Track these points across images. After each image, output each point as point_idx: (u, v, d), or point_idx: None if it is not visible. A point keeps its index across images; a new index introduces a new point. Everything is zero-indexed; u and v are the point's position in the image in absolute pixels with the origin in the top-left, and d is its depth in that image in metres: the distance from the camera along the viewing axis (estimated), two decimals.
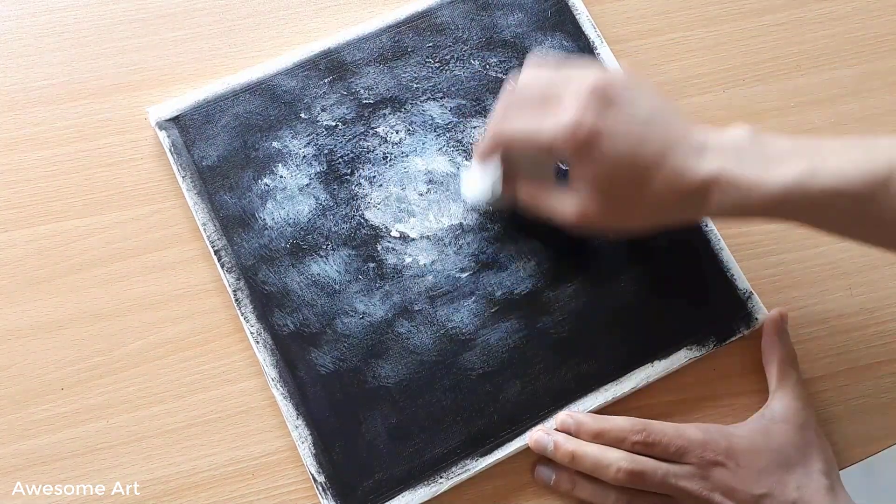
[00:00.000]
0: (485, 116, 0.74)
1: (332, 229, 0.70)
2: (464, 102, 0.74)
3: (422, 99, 0.74)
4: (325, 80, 0.74)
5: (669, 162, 0.59)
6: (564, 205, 0.63)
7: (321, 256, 0.70)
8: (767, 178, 0.57)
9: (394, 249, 0.70)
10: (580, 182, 0.61)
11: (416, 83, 0.75)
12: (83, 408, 0.67)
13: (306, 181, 0.71)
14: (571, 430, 0.66)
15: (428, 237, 0.71)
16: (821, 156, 0.58)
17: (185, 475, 0.66)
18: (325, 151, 0.72)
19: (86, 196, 0.72)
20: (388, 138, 0.73)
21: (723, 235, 0.73)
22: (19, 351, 0.68)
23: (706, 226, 0.73)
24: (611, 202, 0.61)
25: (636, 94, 0.61)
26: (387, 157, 0.73)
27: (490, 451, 0.66)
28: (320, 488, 0.64)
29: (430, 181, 0.72)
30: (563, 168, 0.68)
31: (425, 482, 0.65)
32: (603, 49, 0.77)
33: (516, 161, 0.66)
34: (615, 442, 0.65)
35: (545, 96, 0.61)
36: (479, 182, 0.68)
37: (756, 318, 0.70)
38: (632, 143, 0.59)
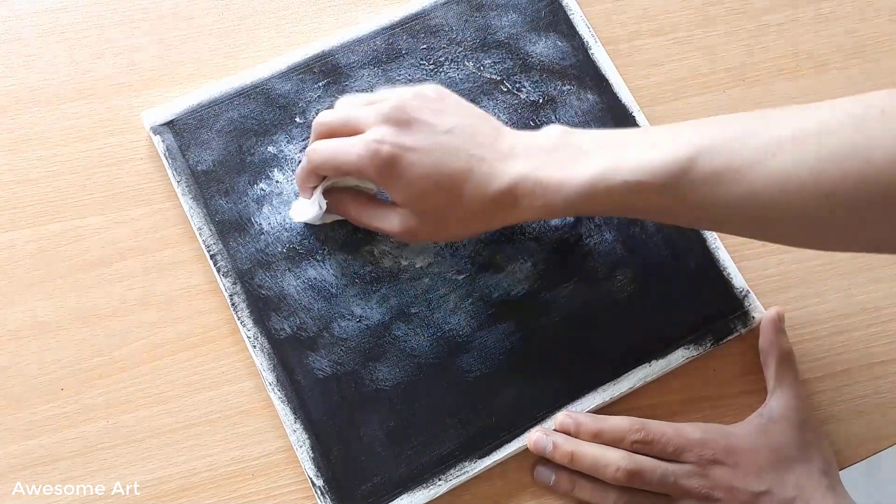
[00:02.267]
0: None
1: (329, 233, 0.72)
2: None
3: None
4: (320, 84, 0.75)
5: (477, 171, 0.62)
6: (388, 221, 0.67)
7: (317, 260, 0.71)
8: (570, 176, 0.60)
9: (390, 252, 0.72)
10: (394, 199, 0.65)
11: (411, 85, 0.76)
12: (83, 408, 0.68)
13: None
14: (570, 430, 0.67)
15: None
16: (625, 149, 0.61)
17: (185, 475, 0.67)
18: None
19: (85, 196, 0.73)
20: None
21: (720, 235, 0.74)
22: (19, 351, 0.69)
23: None
24: (428, 216, 0.65)
25: (440, 108, 0.64)
26: None
27: (488, 453, 0.67)
28: (319, 492, 0.66)
29: None
30: None
31: (424, 485, 0.66)
32: (597, 49, 0.78)
33: (337, 179, 0.69)
34: (614, 441, 0.66)
35: (348, 121, 0.65)
36: (305, 204, 0.71)
37: (753, 317, 0.72)
38: (435, 158, 0.62)
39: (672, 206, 0.60)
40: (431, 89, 0.66)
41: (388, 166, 0.62)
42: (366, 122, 0.64)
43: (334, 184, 0.69)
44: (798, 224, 0.58)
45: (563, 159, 0.62)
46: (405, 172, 0.62)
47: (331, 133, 0.66)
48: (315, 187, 0.69)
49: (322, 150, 0.66)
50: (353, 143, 0.64)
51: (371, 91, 0.76)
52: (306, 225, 0.72)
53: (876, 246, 0.60)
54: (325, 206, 0.69)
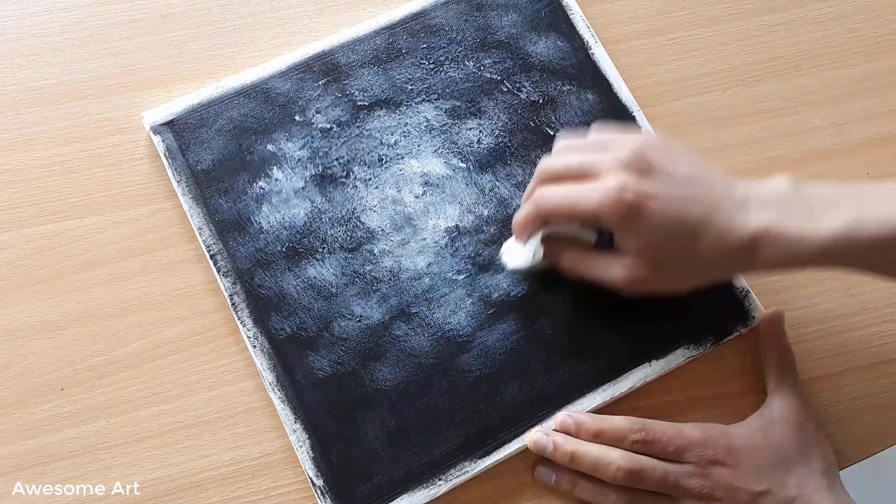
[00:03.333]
0: (479, 118, 0.76)
1: (328, 232, 0.72)
2: (458, 104, 0.77)
3: (416, 101, 0.77)
4: (320, 83, 0.76)
5: (715, 220, 0.61)
6: (612, 271, 0.66)
7: (317, 260, 0.72)
8: (814, 230, 0.59)
9: (390, 252, 0.72)
10: (627, 249, 0.64)
11: (411, 85, 0.77)
12: (83, 408, 0.68)
13: (301, 184, 0.74)
14: (571, 430, 0.68)
15: (424, 239, 0.73)
16: (865, 203, 0.60)
17: (185, 475, 0.67)
18: (320, 154, 0.74)
19: (85, 196, 0.74)
20: (383, 140, 0.75)
21: None
22: (19, 351, 0.69)
23: None
24: (659, 266, 0.64)
25: (673, 156, 0.64)
26: (382, 159, 0.75)
27: (489, 453, 0.68)
28: (319, 492, 0.66)
29: (425, 183, 0.74)
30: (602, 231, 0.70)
31: (424, 485, 0.67)
32: (597, 49, 0.79)
33: (555, 227, 0.68)
34: (614, 441, 0.66)
35: (582, 167, 0.64)
36: (520, 250, 0.70)
37: (753, 317, 0.72)
38: (676, 206, 0.61)
39: None
40: (657, 138, 0.66)
41: (629, 214, 0.61)
42: (605, 168, 0.63)
43: (553, 232, 0.69)
44: None
45: (802, 212, 0.61)
46: (646, 221, 0.61)
47: (559, 179, 0.65)
48: (532, 234, 0.68)
49: (555, 196, 0.64)
50: (594, 189, 0.62)
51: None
52: (305, 224, 0.72)
53: None
54: (541, 255, 0.69)
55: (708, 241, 0.61)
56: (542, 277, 0.72)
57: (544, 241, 0.69)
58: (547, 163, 0.66)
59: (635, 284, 0.65)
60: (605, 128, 0.68)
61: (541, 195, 0.65)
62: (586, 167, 0.64)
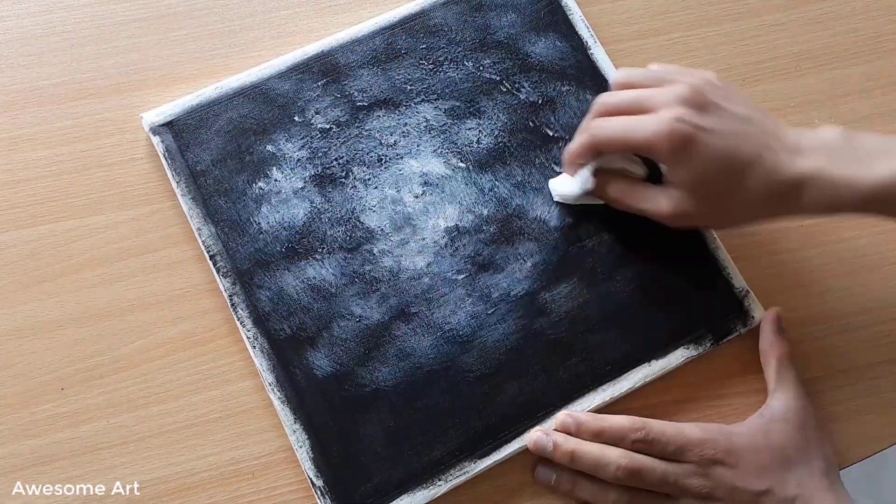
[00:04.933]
0: (479, 118, 0.77)
1: (328, 232, 0.73)
2: (458, 104, 0.77)
3: (416, 101, 0.77)
4: (319, 83, 0.77)
5: (765, 160, 0.63)
6: (659, 203, 0.68)
7: (317, 260, 0.72)
8: (861, 176, 0.62)
9: (390, 252, 0.73)
10: (676, 181, 0.66)
11: (410, 85, 0.77)
12: (83, 408, 0.69)
13: (301, 184, 0.74)
14: (571, 429, 0.68)
15: (424, 239, 0.74)
16: None
17: (185, 475, 0.68)
18: (320, 154, 0.75)
19: (85, 196, 0.74)
20: (382, 140, 0.76)
21: (720, 235, 0.75)
22: (19, 351, 0.70)
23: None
24: (706, 200, 0.66)
25: (730, 95, 0.66)
26: (381, 159, 0.75)
27: (489, 453, 0.68)
28: (319, 492, 0.66)
29: (425, 183, 0.75)
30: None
31: (424, 485, 0.67)
32: (597, 49, 0.80)
33: (606, 160, 0.70)
34: (615, 441, 0.67)
35: (639, 100, 0.66)
36: (568, 180, 0.72)
37: (753, 317, 0.73)
38: (729, 142, 0.64)
39: None
40: (717, 77, 0.68)
41: (683, 145, 0.63)
42: (662, 102, 0.65)
43: (602, 164, 0.70)
44: None
45: (851, 159, 0.63)
46: (699, 153, 0.64)
47: (617, 111, 0.67)
48: (583, 165, 0.70)
49: (611, 125, 0.67)
50: (650, 119, 0.65)
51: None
52: (304, 224, 0.73)
53: None
54: (591, 185, 0.71)
55: (755, 178, 0.64)
56: (540, 274, 0.73)
57: (595, 173, 0.70)
58: (604, 96, 0.68)
59: (680, 217, 0.67)
60: (663, 63, 0.70)
61: (597, 125, 0.67)
62: (644, 100, 0.66)
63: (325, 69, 0.78)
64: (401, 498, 0.67)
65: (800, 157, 0.64)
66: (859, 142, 0.64)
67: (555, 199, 0.75)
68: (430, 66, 0.79)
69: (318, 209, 0.74)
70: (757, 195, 0.65)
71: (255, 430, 0.70)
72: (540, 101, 0.78)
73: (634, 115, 0.66)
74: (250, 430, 0.70)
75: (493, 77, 0.79)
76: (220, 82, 0.77)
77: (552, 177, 0.76)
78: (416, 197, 0.75)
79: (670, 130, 0.63)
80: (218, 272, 0.72)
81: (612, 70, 0.80)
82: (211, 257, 0.72)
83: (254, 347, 0.70)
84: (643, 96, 0.67)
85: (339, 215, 0.74)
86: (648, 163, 0.72)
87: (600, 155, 0.69)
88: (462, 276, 0.73)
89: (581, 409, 0.70)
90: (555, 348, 0.71)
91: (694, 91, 0.65)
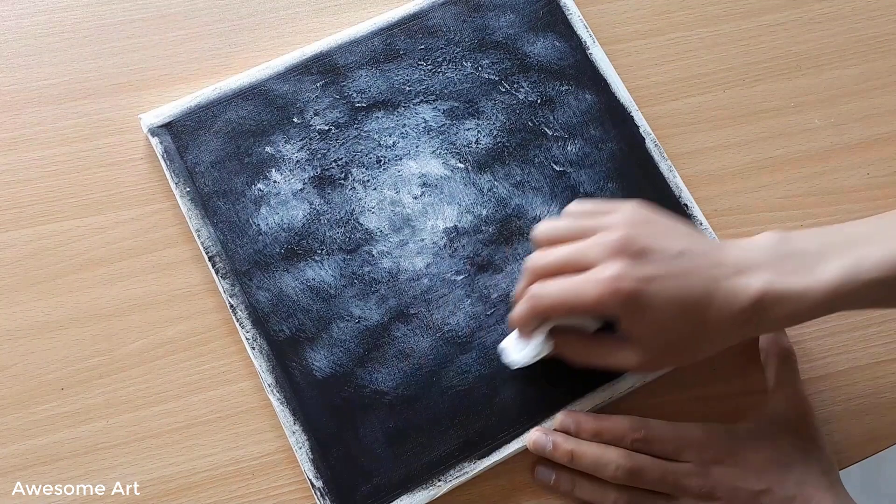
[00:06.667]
0: (478, 118, 0.77)
1: (327, 234, 0.73)
2: (456, 104, 0.78)
3: (414, 102, 0.78)
4: (318, 84, 0.77)
5: (718, 292, 0.62)
6: (625, 359, 0.65)
7: (316, 261, 0.73)
8: (813, 282, 0.61)
9: (389, 253, 0.73)
10: (634, 334, 0.63)
11: (409, 86, 0.78)
12: (83, 408, 0.69)
13: (300, 186, 0.75)
14: (570, 429, 0.68)
15: (423, 240, 0.74)
16: (857, 248, 0.62)
17: (185, 475, 0.68)
18: (319, 156, 0.75)
19: (85, 196, 0.74)
20: (381, 142, 0.76)
21: (720, 236, 0.76)
22: (19, 351, 0.70)
23: (701, 223, 0.76)
24: (672, 345, 0.64)
25: (659, 230, 0.64)
26: (380, 160, 0.76)
27: (488, 454, 0.69)
28: (318, 493, 0.67)
29: (424, 184, 0.75)
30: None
31: (423, 486, 0.68)
32: (595, 49, 0.80)
33: (556, 320, 0.67)
34: (614, 440, 0.67)
35: (573, 259, 0.63)
36: (522, 346, 0.69)
37: None
38: (675, 284, 0.61)
39: None
40: (637, 212, 0.66)
41: (631, 301, 0.61)
42: (596, 258, 0.62)
43: (554, 324, 0.67)
44: None
45: (798, 266, 0.62)
46: (651, 305, 0.61)
47: (552, 273, 0.65)
48: (534, 330, 0.67)
49: (551, 292, 0.64)
50: (588, 281, 0.62)
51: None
52: (303, 225, 0.74)
53: None
54: (549, 350, 0.68)
55: (715, 312, 0.62)
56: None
57: (548, 336, 0.68)
58: (535, 259, 0.66)
59: (649, 366, 0.66)
60: (581, 204, 0.68)
61: (536, 293, 0.64)
62: (577, 259, 0.63)
63: (323, 70, 0.78)
64: (400, 499, 0.68)
65: (747, 277, 0.62)
66: (795, 245, 0.63)
67: (507, 364, 0.70)
68: (429, 67, 0.79)
69: (317, 210, 0.74)
70: (721, 327, 0.63)
71: (255, 430, 0.70)
72: (539, 101, 0.79)
73: (571, 278, 0.63)
74: (250, 431, 0.70)
75: (492, 77, 0.79)
76: (218, 83, 0.77)
77: (552, 176, 0.76)
78: (415, 198, 0.75)
79: (613, 291, 0.61)
80: (217, 273, 0.72)
81: (611, 70, 0.80)
82: (210, 258, 0.72)
83: (253, 349, 0.70)
84: (575, 255, 0.64)
85: (338, 217, 0.74)
86: None
87: (547, 320, 0.67)
88: (461, 277, 0.73)
89: (581, 409, 0.70)
90: None
91: (625, 239, 0.62)
